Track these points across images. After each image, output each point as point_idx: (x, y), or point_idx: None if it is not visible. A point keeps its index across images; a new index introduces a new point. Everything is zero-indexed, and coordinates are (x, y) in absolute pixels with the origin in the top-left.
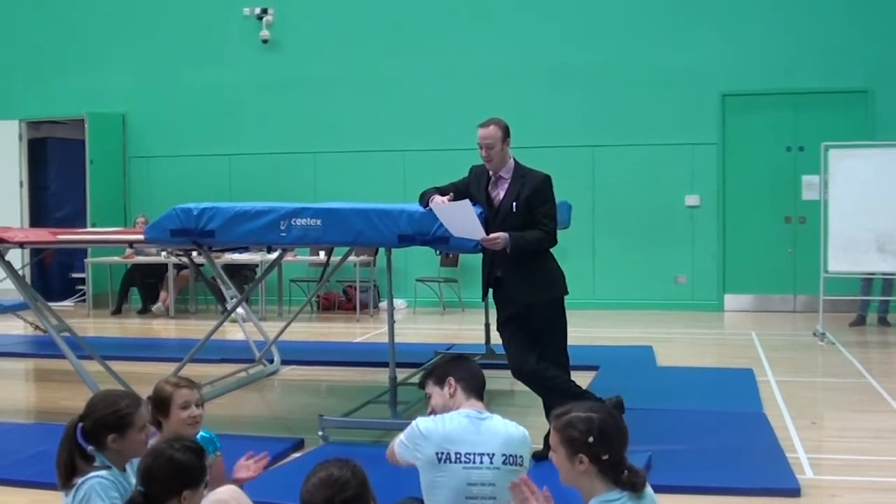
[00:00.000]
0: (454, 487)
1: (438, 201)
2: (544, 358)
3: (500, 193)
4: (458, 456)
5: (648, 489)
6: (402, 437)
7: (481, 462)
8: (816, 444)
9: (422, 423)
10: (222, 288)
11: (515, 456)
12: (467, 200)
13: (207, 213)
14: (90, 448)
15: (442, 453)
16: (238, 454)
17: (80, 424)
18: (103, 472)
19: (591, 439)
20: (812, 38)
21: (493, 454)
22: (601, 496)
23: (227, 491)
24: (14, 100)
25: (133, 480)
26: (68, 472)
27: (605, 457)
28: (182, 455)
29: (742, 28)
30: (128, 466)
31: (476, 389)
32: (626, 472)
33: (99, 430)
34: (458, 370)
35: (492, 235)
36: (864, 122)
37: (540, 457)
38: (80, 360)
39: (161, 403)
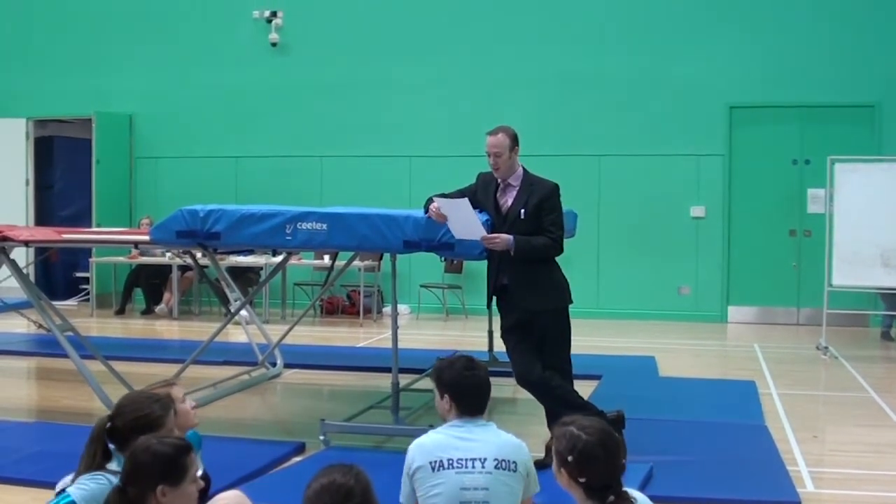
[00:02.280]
0: (448, 493)
1: (441, 199)
2: (547, 367)
3: (508, 200)
4: (451, 462)
5: (642, 501)
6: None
7: (473, 467)
8: (817, 458)
9: (413, 443)
10: (226, 290)
11: (508, 461)
12: (466, 199)
13: (213, 215)
14: (113, 447)
15: (435, 461)
16: (238, 456)
17: (109, 423)
18: (110, 477)
19: (569, 458)
20: (820, 51)
21: (486, 459)
22: None
23: (232, 496)
24: (22, 98)
25: None
26: (89, 470)
27: (582, 479)
28: (161, 448)
29: (750, 41)
30: None
31: (469, 409)
32: (612, 497)
33: (130, 430)
34: (456, 388)
35: (492, 235)
36: (871, 137)
37: (541, 465)
38: (83, 359)
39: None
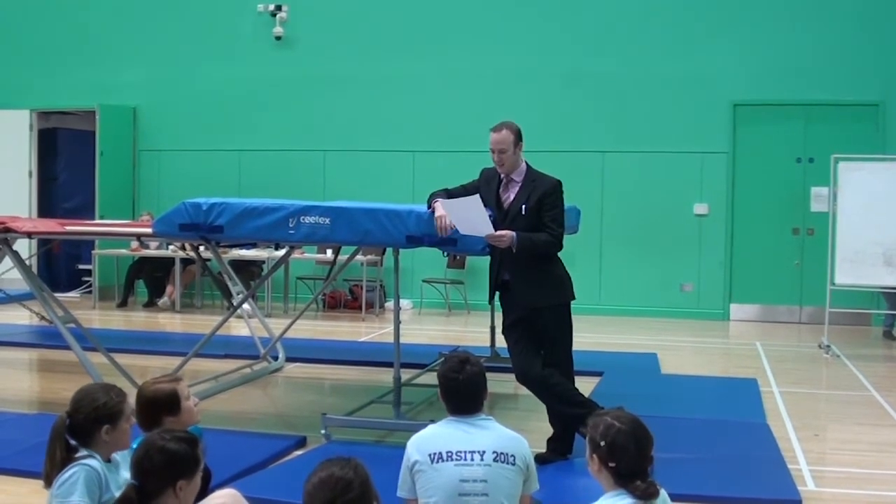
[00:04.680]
0: (447, 486)
1: (446, 200)
2: (549, 363)
3: (510, 196)
4: (450, 454)
5: (662, 497)
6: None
7: (472, 459)
8: (819, 456)
9: (412, 437)
10: (229, 283)
11: (507, 454)
12: (477, 196)
13: (217, 208)
14: (75, 443)
15: (434, 453)
16: (239, 450)
17: (69, 420)
18: (90, 462)
19: (602, 443)
20: (824, 50)
21: (484, 451)
22: (608, 494)
23: (228, 495)
24: (25, 89)
25: (122, 472)
26: (58, 469)
27: (612, 464)
28: (175, 445)
29: (755, 38)
30: (119, 458)
31: (457, 409)
32: (639, 482)
33: (92, 423)
34: (444, 389)
35: (498, 232)
36: (875, 136)
37: (542, 460)
38: (85, 351)
39: (171, 401)
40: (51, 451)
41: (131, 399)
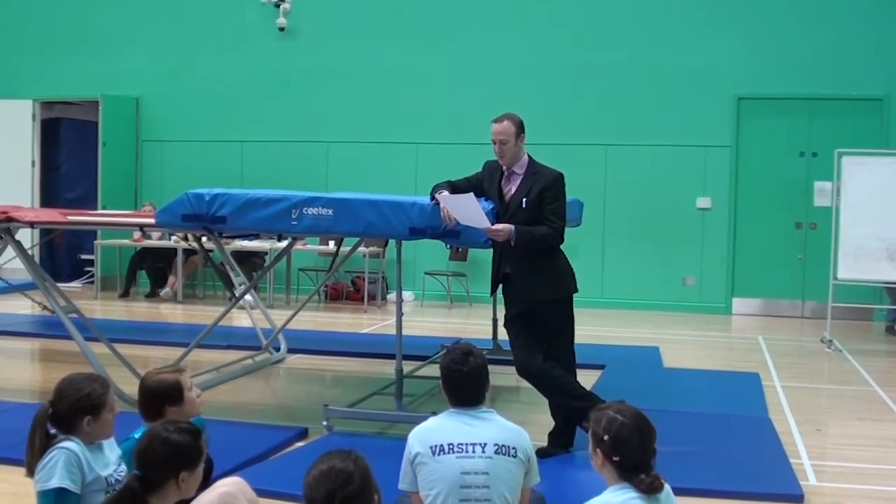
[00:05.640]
0: (448, 478)
1: (445, 194)
2: (550, 356)
3: (511, 189)
4: (451, 446)
5: (667, 491)
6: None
7: (473, 451)
8: (820, 451)
9: (413, 429)
10: (231, 274)
11: (508, 447)
12: (471, 193)
13: (219, 199)
14: (56, 432)
15: (436, 446)
16: (241, 441)
17: (52, 410)
18: (68, 444)
19: (605, 438)
20: (829, 44)
21: (486, 444)
22: (612, 487)
23: (233, 483)
24: (28, 79)
25: (106, 453)
26: (38, 457)
27: (616, 458)
28: (178, 436)
29: (759, 32)
30: (105, 444)
31: (459, 402)
32: (643, 476)
33: (74, 413)
34: (446, 381)
35: (496, 226)
36: (879, 130)
37: (543, 454)
38: (87, 341)
39: (174, 392)
40: (31, 441)
41: (130, 389)
